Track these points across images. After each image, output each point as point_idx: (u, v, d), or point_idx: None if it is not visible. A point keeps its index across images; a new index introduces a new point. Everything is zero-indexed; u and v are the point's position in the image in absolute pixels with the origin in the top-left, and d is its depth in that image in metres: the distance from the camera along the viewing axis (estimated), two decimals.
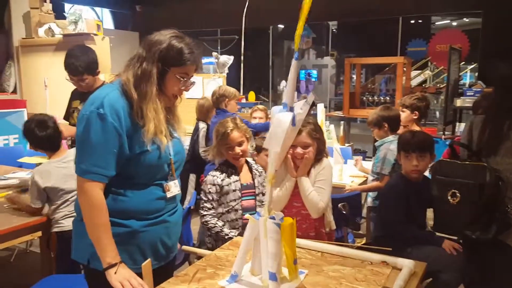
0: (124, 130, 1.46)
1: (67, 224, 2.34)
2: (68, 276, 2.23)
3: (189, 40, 1.57)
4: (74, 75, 2.85)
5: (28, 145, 4.03)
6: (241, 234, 2.11)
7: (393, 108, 3.33)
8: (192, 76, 1.61)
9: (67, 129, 2.81)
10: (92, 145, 1.44)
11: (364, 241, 3.60)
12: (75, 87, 3.03)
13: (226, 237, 2.15)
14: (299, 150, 2.15)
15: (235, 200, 2.23)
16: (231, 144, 2.23)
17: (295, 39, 1.27)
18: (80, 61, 2.81)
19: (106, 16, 9.74)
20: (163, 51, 1.51)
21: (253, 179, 2.32)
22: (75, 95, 3.09)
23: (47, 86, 3.07)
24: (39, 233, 2.52)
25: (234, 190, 2.23)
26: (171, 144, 1.61)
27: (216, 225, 2.19)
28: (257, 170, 2.36)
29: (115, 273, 1.44)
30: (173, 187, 1.62)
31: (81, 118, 1.48)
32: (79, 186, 1.47)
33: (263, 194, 2.32)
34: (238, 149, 2.24)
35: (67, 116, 3.12)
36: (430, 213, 2.34)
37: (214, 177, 2.24)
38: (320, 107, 4.20)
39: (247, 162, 2.37)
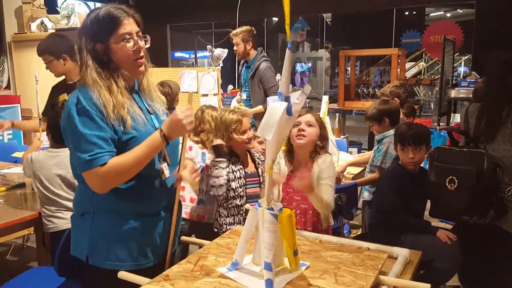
0: (104, 117, 1.45)
1: (57, 224, 2.30)
2: (52, 269, 2.23)
3: (107, 5, 1.54)
4: (39, 56, 2.88)
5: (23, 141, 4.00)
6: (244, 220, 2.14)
7: (391, 101, 3.27)
8: (139, 32, 1.54)
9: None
10: (79, 137, 1.42)
11: (360, 232, 3.63)
12: (58, 82, 3.02)
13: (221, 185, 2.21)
14: (302, 126, 2.10)
15: (240, 187, 2.27)
16: (245, 128, 2.30)
17: (286, 29, 1.26)
18: (42, 43, 2.86)
19: None
20: (88, 30, 1.49)
21: (256, 168, 2.37)
22: (59, 89, 3.04)
23: (38, 81, 3.05)
24: (32, 229, 2.49)
25: (239, 178, 2.28)
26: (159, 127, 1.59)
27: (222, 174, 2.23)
28: (259, 158, 2.41)
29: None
30: (165, 170, 1.60)
31: (63, 119, 1.47)
32: (91, 181, 1.45)
33: None
34: (250, 133, 2.32)
35: (47, 111, 3.08)
36: (428, 205, 2.36)
37: (219, 163, 2.28)
38: (325, 99, 4.18)
39: (249, 152, 2.42)
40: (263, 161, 2.40)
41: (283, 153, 2.23)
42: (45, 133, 2.82)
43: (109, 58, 1.50)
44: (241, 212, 2.28)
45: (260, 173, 2.35)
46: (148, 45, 1.58)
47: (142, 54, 1.54)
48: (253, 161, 2.40)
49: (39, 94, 3.01)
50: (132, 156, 1.45)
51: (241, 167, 2.31)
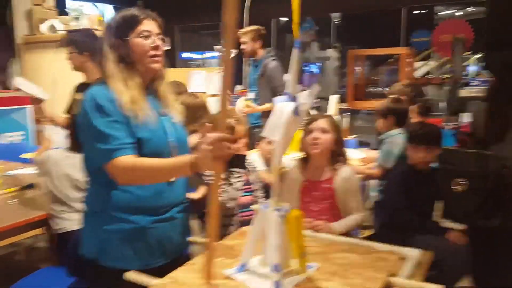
0: (118, 109, 1.48)
1: (63, 225, 2.32)
2: (62, 269, 2.24)
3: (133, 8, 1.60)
4: (64, 46, 2.87)
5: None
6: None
7: (404, 102, 3.32)
8: (159, 33, 1.58)
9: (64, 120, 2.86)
10: (96, 131, 1.45)
11: (368, 232, 3.60)
12: (80, 82, 3.04)
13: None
14: (316, 134, 2.06)
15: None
16: (238, 136, 2.22)
17: (293, 28, 1.25)
18: (71, 35, 2.88)
19: (108, 12, 9.73)
20: (113, 26, 1.56)
21: (247, 175, 2.32)
22: (79, 88, 3.08)
23: (55, 83, 3.07)
24: (42, 230, 2.50)
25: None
26: (170, 130, 1.60)
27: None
28: (251, 166, 2.36)
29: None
30: None
31: (80, 116, 1.51)
32: (112, 172, 1.46)
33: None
34: (242, 142, 2.24)
35: (68, 109, 3.11)
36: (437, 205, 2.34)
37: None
38: (333, 99, 4.16)
39: None
40: (255, 167, 2.38)
41: (298, 160, 2.20)
42: (60, 131, 2.84)
43: (127, 54, 1.54)
44: (233, 222, 2.23)
45: (251, 181, 2.30)
46: (166, 47, 1.61)
47: (159, 52, 1.57)
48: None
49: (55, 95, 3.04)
50: (153, 163, 1.47)
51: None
